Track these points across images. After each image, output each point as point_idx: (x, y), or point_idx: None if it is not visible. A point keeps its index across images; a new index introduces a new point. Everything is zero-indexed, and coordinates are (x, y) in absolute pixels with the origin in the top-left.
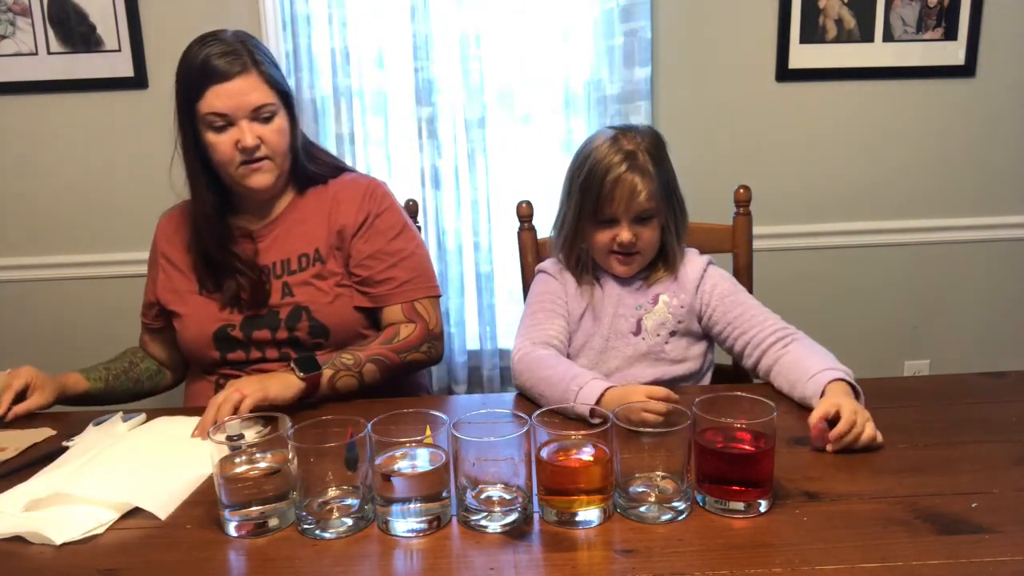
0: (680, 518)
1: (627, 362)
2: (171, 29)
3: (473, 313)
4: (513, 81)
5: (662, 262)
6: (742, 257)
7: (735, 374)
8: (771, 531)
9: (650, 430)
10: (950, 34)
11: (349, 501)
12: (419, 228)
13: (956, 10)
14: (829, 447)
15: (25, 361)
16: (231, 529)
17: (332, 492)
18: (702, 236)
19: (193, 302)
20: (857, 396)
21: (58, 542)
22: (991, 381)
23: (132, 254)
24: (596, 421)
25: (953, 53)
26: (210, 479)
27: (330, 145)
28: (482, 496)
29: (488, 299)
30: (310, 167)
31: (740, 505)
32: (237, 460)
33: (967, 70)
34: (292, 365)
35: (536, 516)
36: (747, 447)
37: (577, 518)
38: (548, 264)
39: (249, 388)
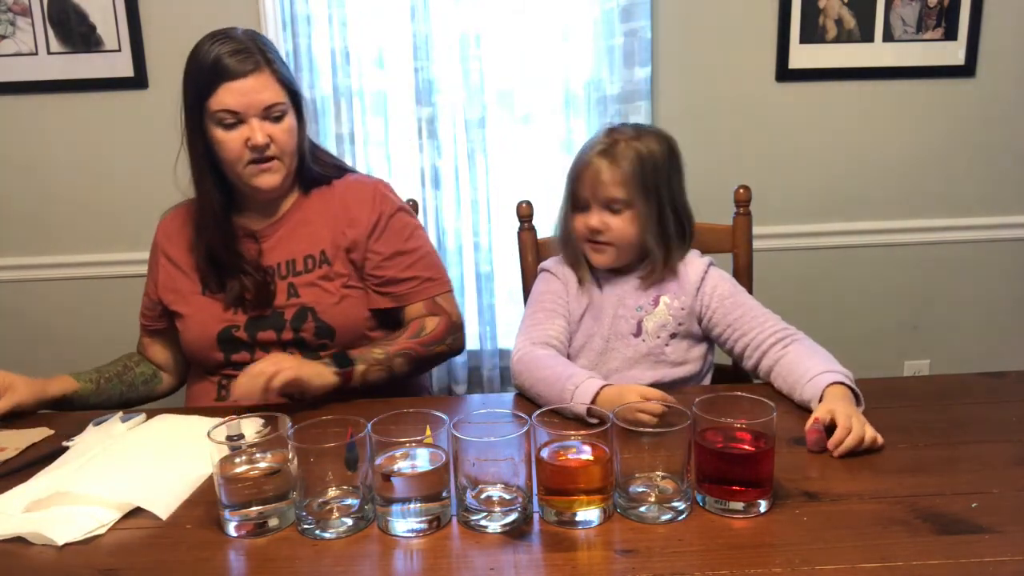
0: (680, 518)
1: (627, 363)
2: (171, 29)
3: (473, 313)
4: (513, 81)
5: (660, 261)
6: (742, 257)
7: (735, 374)
8: (771, 531)
9: (650, 430)
10: (950, 34)
11: (349, 501)
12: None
13: (956, 10)
14: (835, 452)
15: (24, 361)
16: (231, 529)
17: (332, 492)
18: (702, 236)
19: (196, 303)
20: (857, 398)
21: (60, 543)
22: (991, 381)
23: (132, 254)
24: (594, 421)
25: (953, 53)
26: (210, 479)
27: (330, 145)
28: (482, 496)
29: (488, 299)
30: (314, 168)
31: (740, 505)
32: (237, 460)
33: (967, 70)
34: (327, 360)
35: (536, 516)
36: (747, 447)
37: (577, 518)
38: (550, 263)
39: (286, 363)
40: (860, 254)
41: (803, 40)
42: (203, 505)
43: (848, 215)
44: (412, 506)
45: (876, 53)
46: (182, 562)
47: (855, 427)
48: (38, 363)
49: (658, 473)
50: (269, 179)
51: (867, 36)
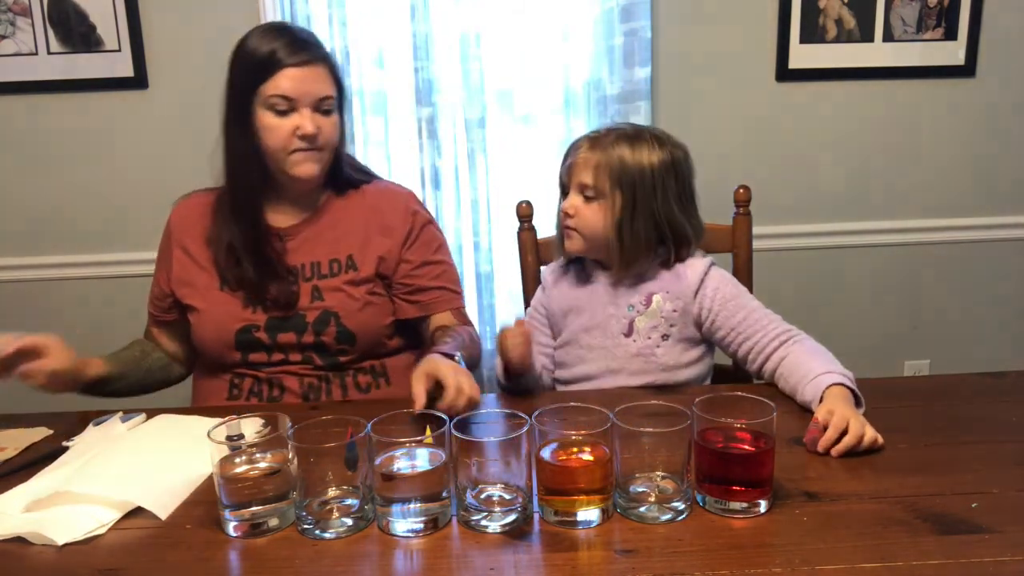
0: (680, 518)
1: (617, 363)
2: (171, 29)
3: (473, 313)
4: (513, 81)
5: (617, 261)
6: (742, 257)
7: (735, 375)
8: (771, 531)
9: (650, 430)
10: (950, 34)
11: (349, 501)
12: None
13: (956, 10)
14: (833, 452)
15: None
16: (231, 529)
17: (332, 492)
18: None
19: (212, 298)
20: (857, 399)
21: (60, 543)
22: (991, 381)
23: (133, 254)
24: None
25: (953, 53)
26: (210, 479)
27: None
28: (482, 496)
29: (488, 299)
30: (346, 170)
31: (740, 505)
32: (237, 460)
33: (967, 70)
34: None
35: (536, 516)
36: (747, 447)
37: (577, 518)
38: (545, 270)
39: (474, 390)
40: (860, 254)
41: (803, 40)
42: (203, 505)
43: (848, 215)
44: (412, 506)
45: (876, 53)
46: (182, 562)
47: (854, 427)
48: None
49: (658, 473)
50: (311, 167)
51: (867, 36)
